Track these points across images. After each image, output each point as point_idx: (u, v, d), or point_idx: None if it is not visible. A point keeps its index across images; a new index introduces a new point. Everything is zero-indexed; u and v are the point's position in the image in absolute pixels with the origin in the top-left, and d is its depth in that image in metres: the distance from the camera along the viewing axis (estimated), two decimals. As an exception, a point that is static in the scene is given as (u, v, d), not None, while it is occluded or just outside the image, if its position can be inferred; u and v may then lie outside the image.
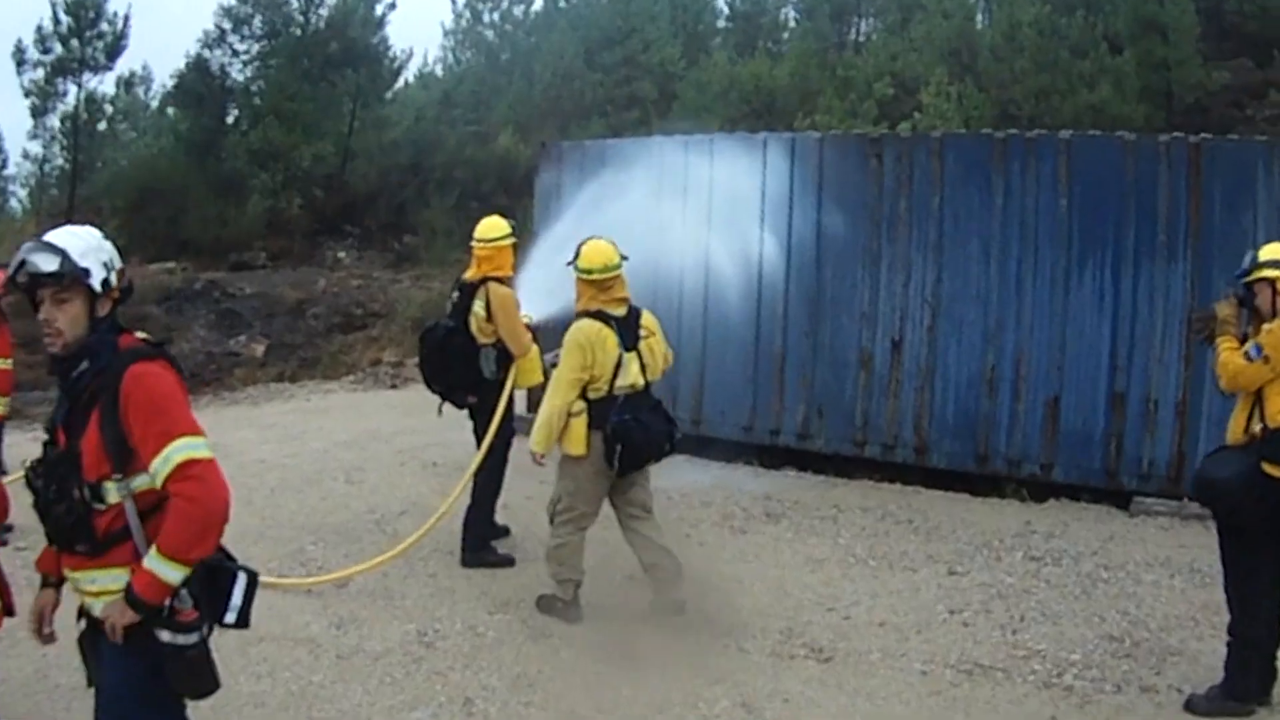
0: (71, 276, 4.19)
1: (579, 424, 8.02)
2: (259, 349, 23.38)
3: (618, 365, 8.01)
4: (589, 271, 8.09)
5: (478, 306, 9.44)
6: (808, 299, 12.67)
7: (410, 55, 39.48)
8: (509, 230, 9.67)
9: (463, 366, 9.52)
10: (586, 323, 8.05)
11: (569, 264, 8.17)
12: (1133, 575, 9.29)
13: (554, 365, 8.19)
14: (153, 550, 4.11)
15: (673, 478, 11.63)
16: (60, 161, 34.43)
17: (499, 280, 9.48)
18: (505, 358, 9.48)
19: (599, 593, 8.51)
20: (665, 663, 7.42)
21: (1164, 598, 8.81)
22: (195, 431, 4.26)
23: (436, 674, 7.44)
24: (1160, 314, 11.13)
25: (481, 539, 9.71)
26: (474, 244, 9.65)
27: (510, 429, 9.75)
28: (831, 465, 12.69)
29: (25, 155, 37.28)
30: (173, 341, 23.57)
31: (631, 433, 7.93)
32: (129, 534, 4.20)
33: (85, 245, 4.30)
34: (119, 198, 31.54)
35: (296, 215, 31.46)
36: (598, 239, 8.21)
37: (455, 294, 9.75)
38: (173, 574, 4.11)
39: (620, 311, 8.15)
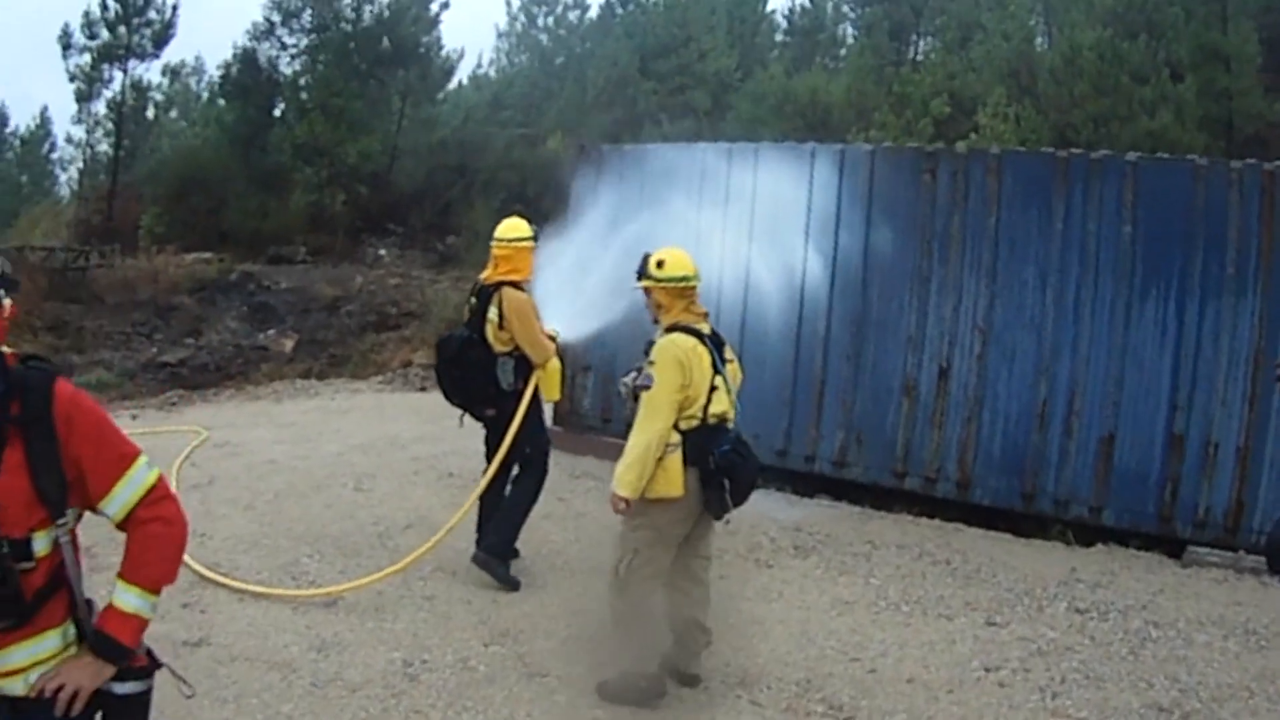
0: None
1: (675, 459, 6.73)
2: (288, 344, 23.10)
3: (711, 389, 6.89)
4: (683, 279, 7.08)
5: (492, 313, 8.89)
6: (851, 319, 11.96)
7: (462, 55, 39.22)
8: (530, 232, 9.10)
9: (480, 378, 8.97)
10: (681, 336, 6.90)
11: (644, 275, 7.12)
12: (1184, 635, 8.45)
13: (641, 387, 6.82)
14: (129, 588, 3.62)
15: (701, 504, 11.03)
16: (105, 147, 34.43)
17: (515, 285, 8.92)
18: (525, 367, 8.95)
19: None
20: (669, 714, 6.72)
21: (1216, 662, 7.98)
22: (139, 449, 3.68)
23: (416, 713, 6.77)
24: (1225, 351, 10.33)
25: (504, 545, 9.12)
26: (493, 243, 9.09)
27: (545, 439, 9.28)
28: (869, 496, 11.95)
29: (69, 139, 37.44)
30: (202, 333, 23.33)
31: (737, 468, 6.78)
32: (59, 586, 3.54)
33: None
34: (160, 186, 31.49)
35: (340, 211, 31.34)
36: (670, 248, 7.29)
37: (472, 299, 9.19)
38: (150, 610, 3.66)
39: (707, 328, 7.13)
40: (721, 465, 6.72)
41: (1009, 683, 7.46)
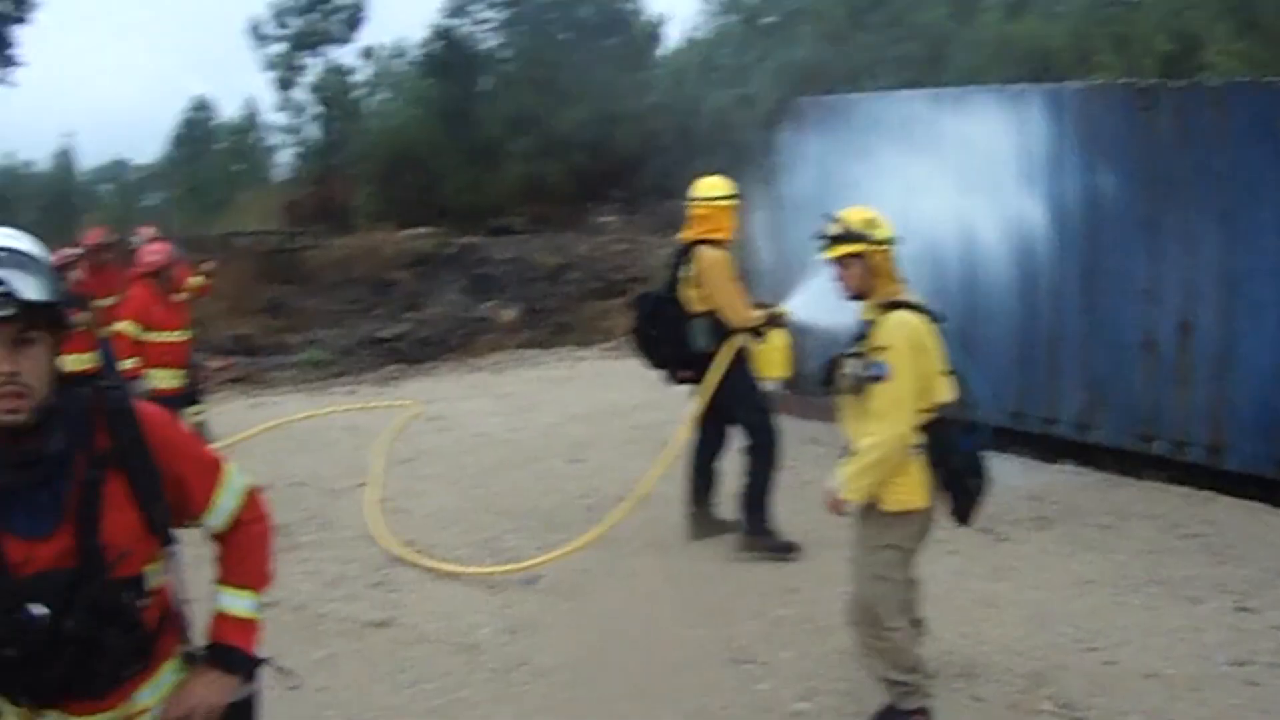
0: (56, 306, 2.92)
1: (918, 464, 5.70)
2: (510, 315, 22.95)
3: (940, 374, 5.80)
4: (892, 241, 5.89)
5: (684, 272, 8.48)
6: (1080, 271, 10.98)
7: (665, 20, 38.79)
8: (729, 190, 8.67)
9: (673, 338, 8.57)
10: (910, 315, 5.70)
11: (850, 239, 5.74)
12: None
13: (872, 378, 5.57)
14: (241, 592, 3.34)
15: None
16: (311, 132, 35.03)
17: (714, 244, 8.44)
18: (720, 329, 8.45)
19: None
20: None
21: None
22: None
23: (602, 702, 6.33)
24: None
25: (759, 524, 8.64)
26: (691, 202, 8.64)
27: (762, 407, 8.73)
28: (1114, 461, 10.98)
29: (274, 127, 38.29)
30: (420, 307, 23.32)
31: (984, 468, 5.95)
32: (170, 615, 3.20)
33: (46, 257, 2.99)
34: (372, 165, 31.85)
35: (557, 180, 31.19)
36: (855, 207, 6.12)
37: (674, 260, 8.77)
38: (260, 611, 3.39)
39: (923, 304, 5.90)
40: (969, 466, 5.84)
41: (1260, 680, 6.54)
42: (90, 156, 53.56)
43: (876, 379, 5.59)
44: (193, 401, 12.10)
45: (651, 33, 35.89)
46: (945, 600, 7.27)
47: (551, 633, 7.20)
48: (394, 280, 25.15)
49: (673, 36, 39.27)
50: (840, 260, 5.83)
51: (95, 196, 44.25)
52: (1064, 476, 10.79)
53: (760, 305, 8.70)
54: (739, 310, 8.43)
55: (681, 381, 8.84)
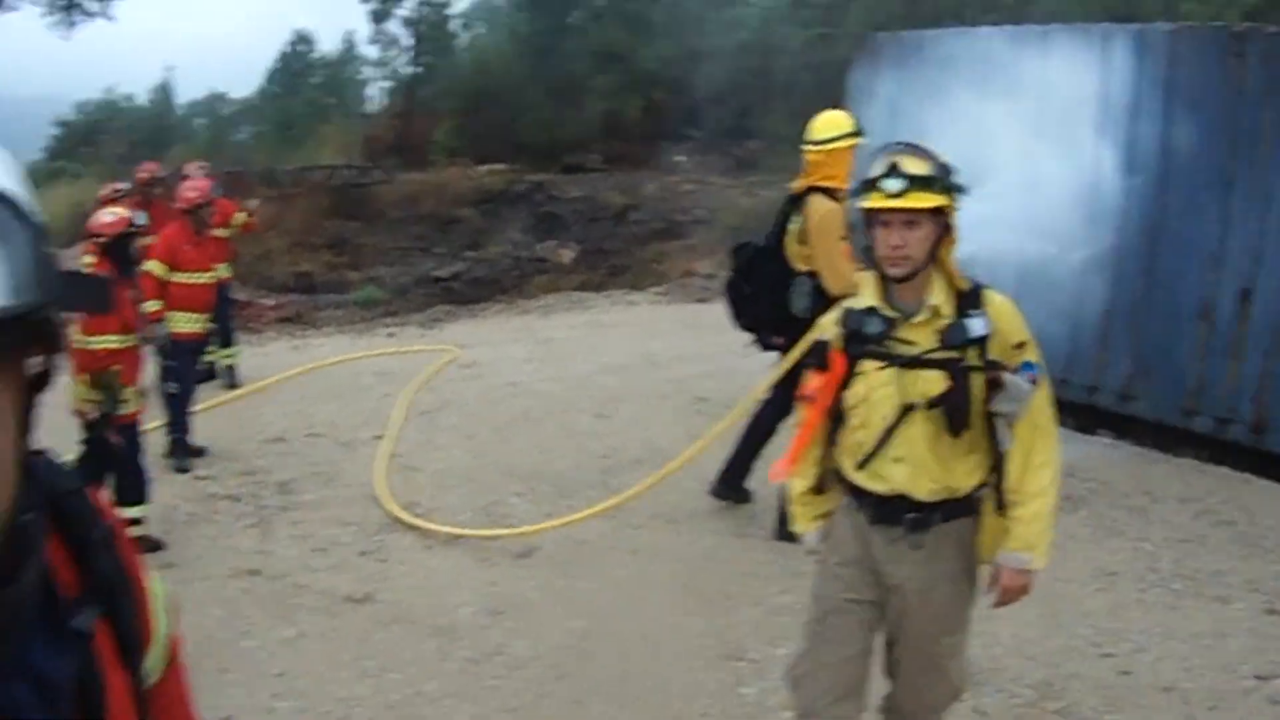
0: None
1: None
2: (568, 255, 22.66)
3: None
4: None
5: (793, 225, 7.60)
6: (1146, 229, 10.31)
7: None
8: (850, 128, 7.55)
9: (770, 297, 7.68)
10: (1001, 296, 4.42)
11: (921, 181, 4.04)
12: None
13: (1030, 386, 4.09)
14: None
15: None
16: (402, 67, 35.11)
17: (828, 192, 7.48)
18: (825, 294, 7.21)
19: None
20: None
21: None
22: None
23: (575, 703, 5.87)
24: None
25: (732, 477, 8.22)
26: (804, 146, 7.63)
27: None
28: (1152, 435, 10.44)
29: (364, 60, 38.41)
30: (481, 246, 23.09)
31: None
32: None
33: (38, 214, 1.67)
34: (455, 100, 31.62)
35: (636, 118, 30.90)
36: None
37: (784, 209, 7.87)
38: None
39: None
40: None
41: (1283, 700, 6.03)
42: (190, 90, 54.10)
43: (1033, 385, 4.12)
44: (227, 344, 11.91)
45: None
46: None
47: (535, 616, 6.78)
48: (460, 218, 24.92)
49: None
50: (911, 216, 4.06)
51: (190, 130, 44.23)
52: (1100, 450, 10.29)
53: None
54: (841, 273, 7.29)
55: (771, 349, 7.99)
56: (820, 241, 7.37)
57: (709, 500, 8.42)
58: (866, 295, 4.25)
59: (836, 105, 12.49)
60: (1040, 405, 4.14)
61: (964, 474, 4.15)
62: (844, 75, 13.19)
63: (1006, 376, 4.02)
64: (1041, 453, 4.12)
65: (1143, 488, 9.28)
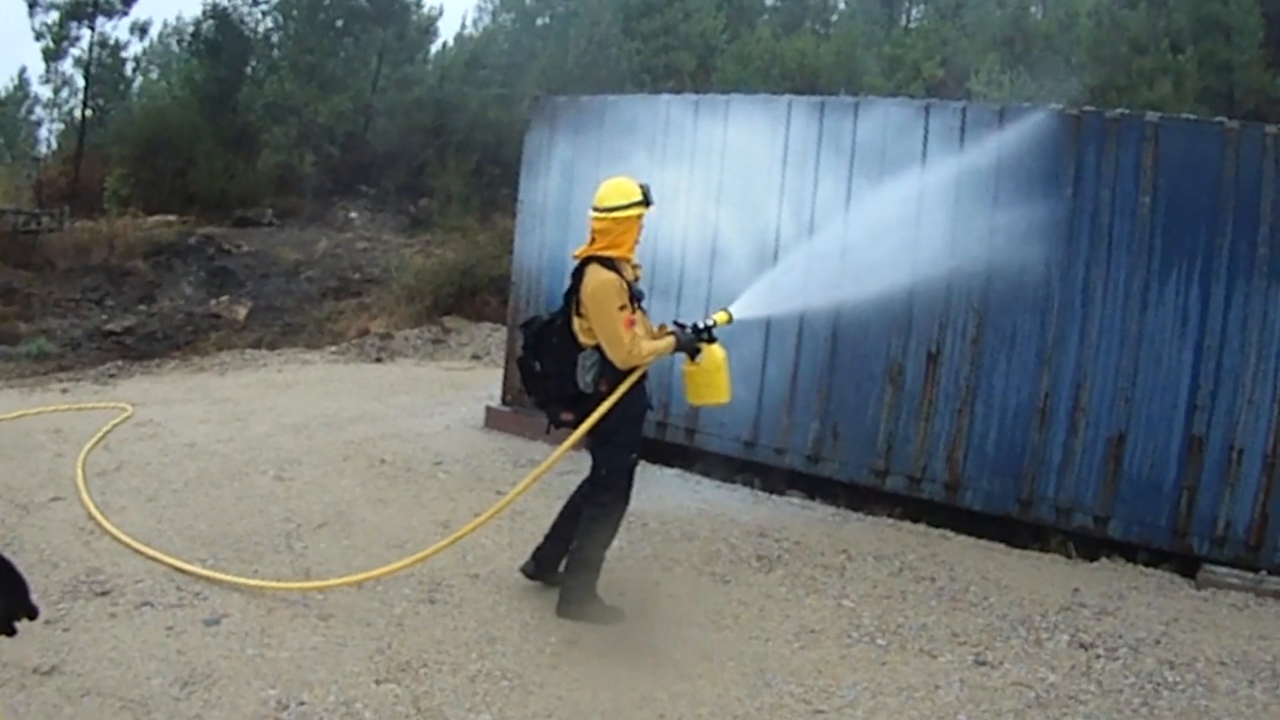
0: None
1: None
2: (241, 312, 22.09)
3: None
4: None
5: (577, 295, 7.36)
6: (830, 292, 10.52)
7: (441, 14, 38.39)
8: (636, 197, 7.32)
9: (558, 372, 7.43)
10: None
11: None
12: (1204, 679, 7.17)
13: None
14: None
15: (655, 499, 9.97)
16: (72, 107, 33.98)
17: (606, 261, 7.30)
18: (613, 366, 7.31)
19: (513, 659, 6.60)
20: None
21: (1243, 715, 6.73)
22: None
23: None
24: (1254, 344, 9.01)
25: (583, 590, 7.58)
26: (591, 213, 7.40)
27: (629, 460, 7.57)
28: (845, 495, 10.69)
29: (36, 100, 36.93)
30: (154, 299, 22.40)
31: None
32: None
33: None
34: (127, 146, 30.79)
35: (309, 173, 30.60)
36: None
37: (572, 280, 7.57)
38: None
39: None
40: None
41: (1003, 745, 6.15)
42: None
43: None
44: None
45: (427, 26, 35.22)
46: (662, 654, 6.81)
47: (230, 686, 6.38)
48: (132, 270, 24.09)
49: (448, 31, 39.16)
50: None
51: None
52: (791, 511, 10.51)
53: (678, 325, 7.62)
54: (621, 345, 7.18)
55: (560, 425, 7.65)
56: (596, 312, 7.16)
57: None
58: None
59: (515, 166, 12.53)
60: None
61: None
62: (519, 135, 13.22)
63: None
64: None
65: (838, 546, 9.42)
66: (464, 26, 42.42)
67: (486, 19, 40.58)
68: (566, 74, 32.06)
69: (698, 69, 31.70)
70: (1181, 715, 6.68)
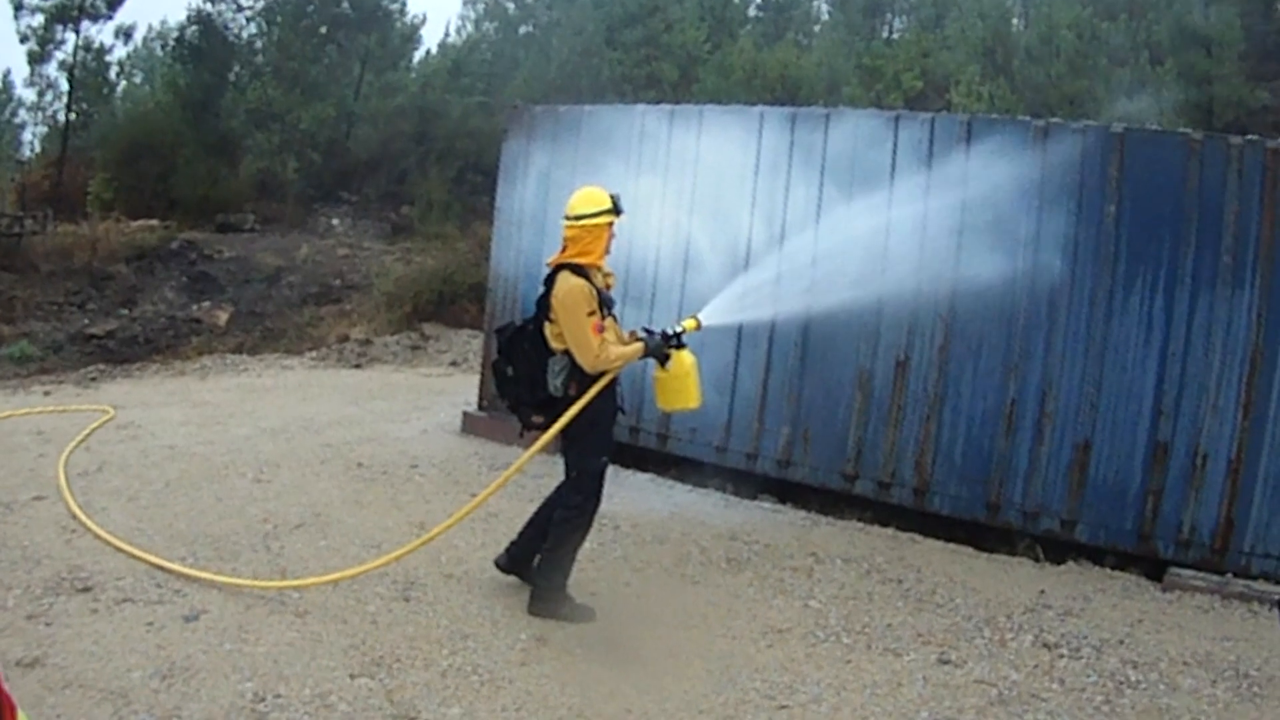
0: None
1: None
2: (223, 316, 22.20)
3: None
4: None
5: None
6: (802, 299, 10.68)
7: (424, 21, 38.28)
8: (606, 205, 7.52)
9: (528, 376, 7.61)
10: None
11: None
12: (1166, 678, 7.32)
13: None
14: None
15: (628, 503, 10.11)
16: (56, 110, 33.96)
17: (578, 269, 7.49)
18: (582, 371, 7.49)
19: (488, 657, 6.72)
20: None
21: (1204, 714, 6.87)
22: None
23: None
24: (1218, 351, 9.18)
25: (555, 590, 7.74)
26: (563, 221, 7.61)
27: (600, 462, 7.72)
28: (816, 499, 10.84)
29: (20, 103, 36.84)
30: (136, 304, 22.47)
31: None
32: None
33: None
34: (110, 151, 30.78)
35: (291, 179, 30.61)
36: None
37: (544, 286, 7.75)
38: None
39: None
40: None
41: (963, 740, 6.28)
42: None
43: None
44: None
45: (410, 34, 35.28)
46: (630, 652, 6.92)
47: (208, 679, 6.50)
48: (114, 274, 24.16)
49: (431, 39, 39.23)
50: None
51: None
52: (761, 515, 10.64)
53: (647, 331, 7.79)
54: (590, 350, 7.36)
55: (531, 428, 7.82)
56: (565, 318, 7.33)
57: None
58: None
59: (496, 174, 12.62)
60: None
61: None
62: (500, 143, 13.35)
63: None
64: None
65: (807, 549, 9.56)
66: (447, 34, 42.31)
67: (470, 27, 40.67)
68: (549, 83, 32.16)
69: (680, 79, 31.80)
70: (1144, 713, 6.82)
